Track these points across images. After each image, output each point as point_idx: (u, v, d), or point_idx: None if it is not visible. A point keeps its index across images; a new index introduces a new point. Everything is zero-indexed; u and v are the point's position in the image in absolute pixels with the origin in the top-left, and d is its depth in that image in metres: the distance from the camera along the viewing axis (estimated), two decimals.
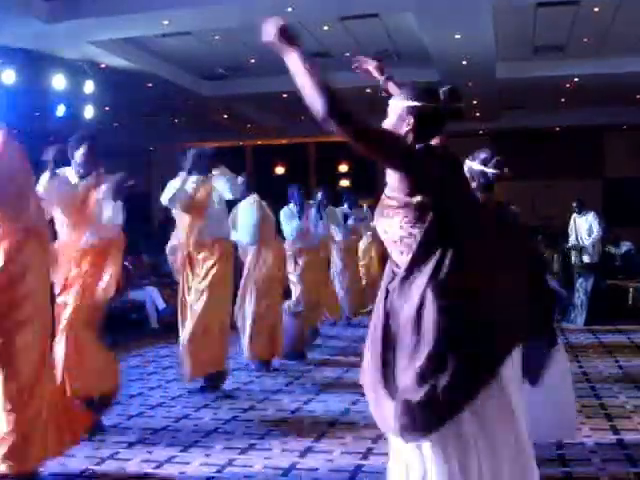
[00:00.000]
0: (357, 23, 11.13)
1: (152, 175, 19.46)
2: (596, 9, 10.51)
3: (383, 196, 2.78)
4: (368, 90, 13.91)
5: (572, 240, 11.69)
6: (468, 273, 2.58)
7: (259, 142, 19.99)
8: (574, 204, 11.62)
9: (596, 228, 11.35)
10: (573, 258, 11.72)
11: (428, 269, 2.58)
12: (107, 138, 11.79)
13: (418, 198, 2.60)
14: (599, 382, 6.78)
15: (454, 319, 2.55)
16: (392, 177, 2.71)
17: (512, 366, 2.70)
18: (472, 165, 4.31)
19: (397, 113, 2.79)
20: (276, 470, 4.38)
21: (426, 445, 2.59)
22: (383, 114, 2.89)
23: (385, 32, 11.66)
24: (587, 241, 11.36)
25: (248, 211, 7.67)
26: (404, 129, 2.76)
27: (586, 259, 11.38)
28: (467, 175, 3.80)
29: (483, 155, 4.33)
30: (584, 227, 11.49)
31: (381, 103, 2.63)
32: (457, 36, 11.00)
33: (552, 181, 17.73)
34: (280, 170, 20.00)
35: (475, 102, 15.40)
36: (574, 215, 11.68)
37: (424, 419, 2.53)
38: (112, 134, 15.68)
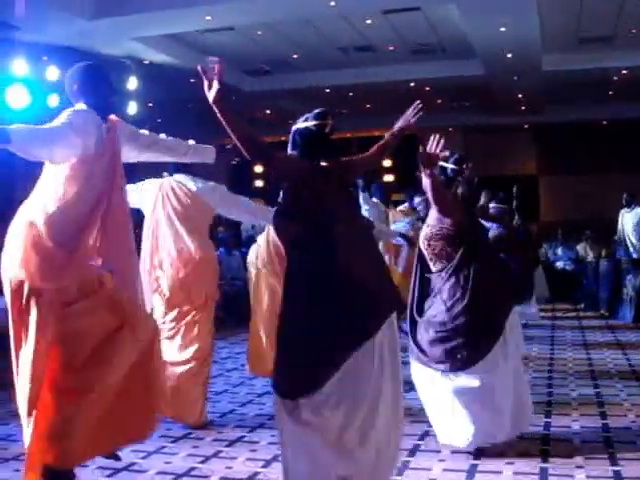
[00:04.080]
0: (400, 16, 11.05)
1: (195, 171, 19.52)
2: None
3: None
4: (412, 84, 13.87)
5: (619, 235, 11.52)
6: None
7: None
8: (624, 198, 11.43)
9: None
10: (621, 254, 11.53)
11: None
12: None
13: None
14: None
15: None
16: None
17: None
18: None
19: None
20: None
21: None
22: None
23: (428, 25, 11.56)
24: (632, 236, 11.18)
25: None
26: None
27: (634, 255, 11.19)
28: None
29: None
30: (631, 222, 11.29)
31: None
32: (502, 29, 10.86)
33: (600, 175, 17.40)
34: None
35: (520, 96, 15.22)
36: (623, 210, 11.49)
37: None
38: (155, 130, 15.71)
